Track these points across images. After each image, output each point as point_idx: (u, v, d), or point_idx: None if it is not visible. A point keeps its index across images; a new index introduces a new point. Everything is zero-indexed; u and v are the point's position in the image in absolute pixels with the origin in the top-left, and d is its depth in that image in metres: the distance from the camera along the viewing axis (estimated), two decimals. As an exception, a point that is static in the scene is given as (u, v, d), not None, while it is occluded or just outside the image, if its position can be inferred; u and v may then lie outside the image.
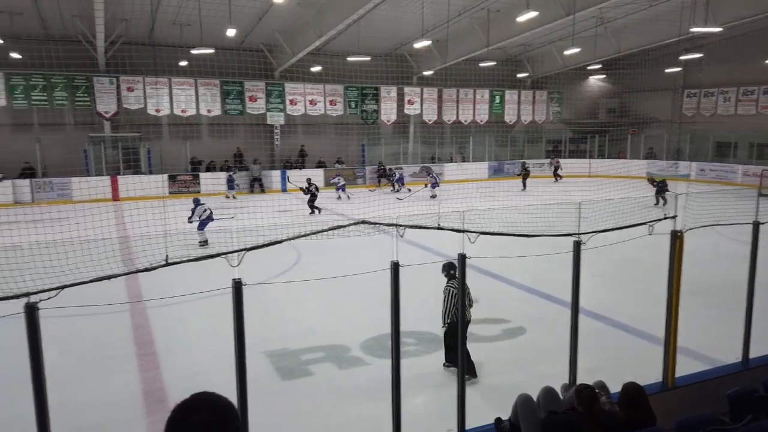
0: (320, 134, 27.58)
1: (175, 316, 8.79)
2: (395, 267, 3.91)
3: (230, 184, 23.23)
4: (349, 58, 22.85)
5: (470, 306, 6.64)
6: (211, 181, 23.40)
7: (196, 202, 14.00)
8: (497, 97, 30.52)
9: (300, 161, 27.22)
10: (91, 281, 3.18)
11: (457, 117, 29.62)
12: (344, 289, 9.67)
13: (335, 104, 26.76)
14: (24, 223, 15.87)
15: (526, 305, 9.41)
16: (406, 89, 28.27)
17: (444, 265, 6.85)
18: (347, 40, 22.42)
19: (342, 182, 22.73)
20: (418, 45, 21.19)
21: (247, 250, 3.39)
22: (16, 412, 6.22)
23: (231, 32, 17.82)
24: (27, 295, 3.09)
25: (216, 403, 1.46)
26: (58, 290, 3.04)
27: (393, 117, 28.20)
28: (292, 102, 25.79)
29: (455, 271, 6.53)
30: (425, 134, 29.57)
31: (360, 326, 8.40)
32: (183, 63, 23.00)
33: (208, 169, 24.94)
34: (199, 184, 23.97)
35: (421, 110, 28.73)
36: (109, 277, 3.31)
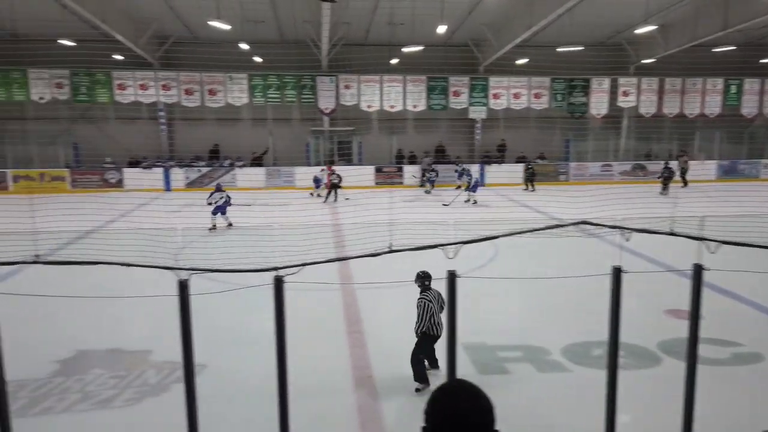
0: (521, 128, 26.96)
1: (382, 298, 9.38)
2: (617, 273, 3.65)
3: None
4: (559, 49, 21.87)
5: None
6: (412, 173, 24.47)
7: (217, 188, 15.41)
8: (733, 86, 26.55)
9: (499, 156, 26.94)
10: (327, 261, 3.56)
11: (681, 109, 26.48)
12: (544, 289, 9.39)
13: (540, 97, 25.88)
14: (257, 206, 18.21)
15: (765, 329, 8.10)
16: (621, 80, 26.11)
17: (418, 275, 6.43)
18: (557, 30, 21.45)
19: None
20: (640, 31, 19.44)
21: (464, 243, 3.47)
22: (254, 364, 7.27)
23: (441, 29, 18.30)
24: (275, 269, 3.56)
25: (478, 393, 1.48)
26: (300, 267, 3.45)
27: (604, 110, 26.30)
28: (495, 96, 25.60)
29: (429, 282, 6.33)
30: (640, 129, 27.03)
31: (561, 330, 8.05)
32: (394, 61, 24.31)
33: (410, 162, 26.06)
34: (401, 176, 25.20)
35: (638, 102, 26.30)
36: (341, 259, 3.66)
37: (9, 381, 3.77)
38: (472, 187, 19.69)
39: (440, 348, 6.12)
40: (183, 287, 3.38)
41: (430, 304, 6.12)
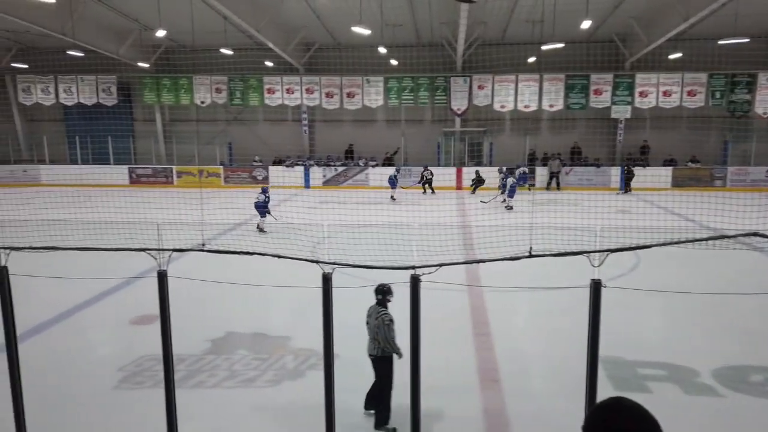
0: (670, 129, 24.79)
1: (511, 302, 9.19)
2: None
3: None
4: (721, 42, 19.76)
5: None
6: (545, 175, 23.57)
7: (263, 189, 15.15)
8: None
9: (642, 158, 25.01)
10: (466, 263, 3.58)
11: None
12: (693, 304, 8.59)
13: (694, 95, 23.60)
14: (386, 204, 18.61)
15: None
16: (795, 74, 22.98)
17: (378, 288, 5.52)
18: (719, 21, 19.42)
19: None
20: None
21: (611, 251, 3.30)
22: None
23: (585, 24, 17.46)
24: (413, 267, 3.66)
25: (645, 415, 1.37)
26: (437, 267, 3.51)
27: (772, 109, 23.33)
28: (641, 94, 23.81)
29: (391, 296, 5.56)
30: (818, 130, 23.60)
31: (712, 350, 7.32)
32: (531, 60, 23.59)
33: (543, 164, 25.14)
34: (534, 177, 24.39)
35: (816, 100, 22.98)
36: (480, 261, 3.67)
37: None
38: (509, 192, 18.64)
39: (556, 353, 5.84)
40: (326, 280, 3.59)
41: (388, 320, 5.38)
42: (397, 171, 22.52)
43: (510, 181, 18.95)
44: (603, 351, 7.19)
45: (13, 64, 25.98)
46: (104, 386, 6.47)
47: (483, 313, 8.88)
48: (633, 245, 3.50)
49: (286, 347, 7.59)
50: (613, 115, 24.33)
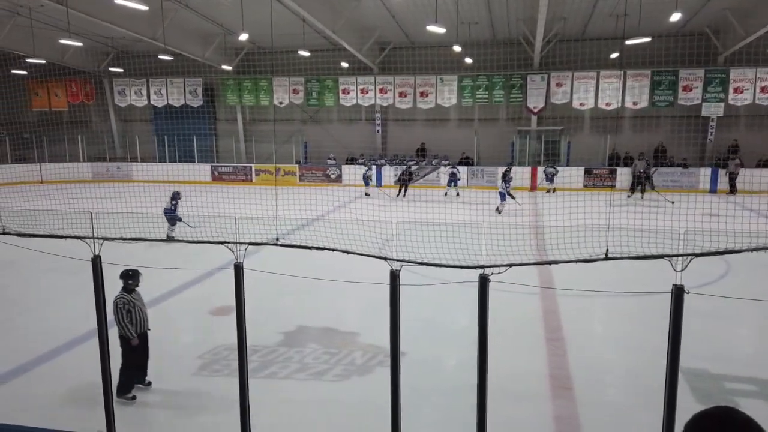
0: (766, 127, 22.97)
1: (585, 307, 8.86)
2: None
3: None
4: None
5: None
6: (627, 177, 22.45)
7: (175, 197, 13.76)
8: None
9: (732, 156, 23.27)
10: (537, 264, 3.49)
11: None
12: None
13: (797, 91, 21.74)
14: (459, 203, 18.49)
15: None
16: None
17: (122, 273, 6.05)
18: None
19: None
20: None
21: (696, 255, 3.10)
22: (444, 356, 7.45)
23: (675, 17, 16.52)
24: (482, 267, 3.60)
25: (751, 425, 1.26)
26: (507, 267, 3.44)
27: None
28: (737, 90, 22.21)
29: (134, 281, 6.11)
30: None
31: (813, 369, 6.72)
32: (613, 55, 22.61)
33: (625, 164, 24.00)
34: (614, 178, 23.35)
35: None
36: (551, 263, 3.56)
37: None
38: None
39: (653, 368, 5.55)
40: (394, 277, 3.61)
41: (124, 302, 5.99)
42: (369, 170, 23.13)
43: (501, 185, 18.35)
44: (685, 362, 6.78)
45: (110, 68, 27.94)
46: (186, 371, 6.84)
47: (555, 317, 8.61)
48: (721, 249, 3.27)
49: (355, 343, 7.70)
50: (703, 113, 22.84)
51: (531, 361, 7.10)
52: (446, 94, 25.07)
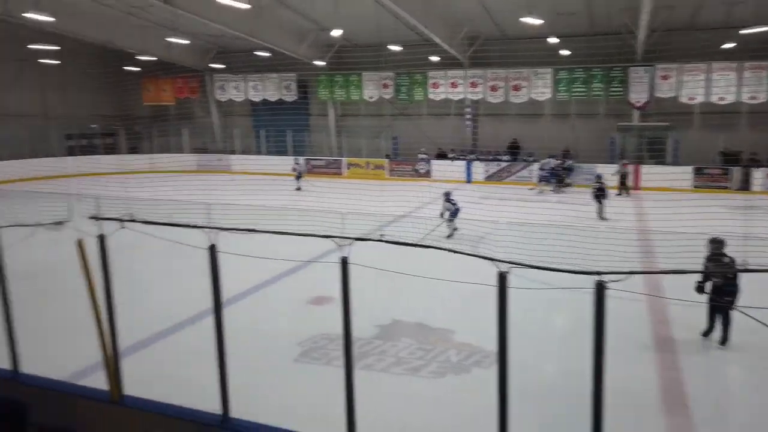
0: None
1: (701, 318, 8.25)
2: None
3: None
4: None
5: None
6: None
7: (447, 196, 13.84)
8: None
9: None
10: (661, 273, 3.26)
11: None
12: None
13: None
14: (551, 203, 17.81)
15: None
16: None
17: None
18: None
19: None
20: None
21: None
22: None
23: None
24: (598, 273, 3.41)
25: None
26: (627, 275, 3.23)
27: None
28: None
29: None
30: None
31: None
32: (728, 45, 20.85)
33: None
34: (728, 178, 21.57)
35: None
36: (677, 272, 3.32)
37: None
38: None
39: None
40: (502, 278, 3.50)
41: None
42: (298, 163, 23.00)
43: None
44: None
45: (211, 65, 29.50)
46: (287, 357, 7.10)
47: (667, 327, 8.08)
48: None
49: (449, 340, 7.64)
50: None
51: (642, 374, 6.68)
52: (540, 87, 24.27)
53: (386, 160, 27.22)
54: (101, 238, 4.60)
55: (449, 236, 13.18)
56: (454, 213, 13.55)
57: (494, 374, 3.77)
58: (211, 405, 4.61)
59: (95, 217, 4.60)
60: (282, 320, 8.70)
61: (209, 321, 4.88)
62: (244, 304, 9.11)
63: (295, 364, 6.96)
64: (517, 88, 24.64)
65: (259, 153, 29.27)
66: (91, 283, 4.69)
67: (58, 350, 7.03)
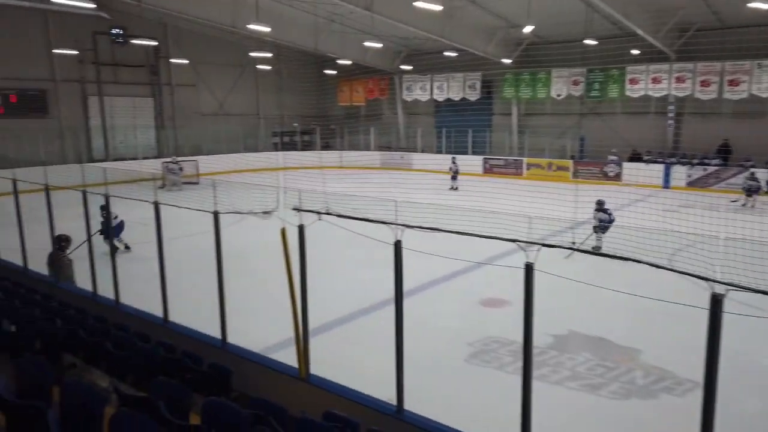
0: None
1: None
2: None
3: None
4: None
5: None
6: None
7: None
8: None
9: None
10: None
11: None
12: None
13: None
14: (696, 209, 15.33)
15: None
16: None
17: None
18: None
19: None
20: None
21: None
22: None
23: None
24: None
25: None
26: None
27: None
28: None
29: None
30: None
31: None
32: None
33: None
34: None
35: None
36: None
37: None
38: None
39: None
40: (716, 301, 3.10)
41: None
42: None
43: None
44: None
45: (401, 66, 30.77)
46: (457, 356, 7.15)
47: None
48: None
49: (635, 360, 7.01)
50: None
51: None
52: (765, 82, 20.92)
53: (570, 161, 25.80)
54: (300, 229, 5.09)
55: (596, 248, 11.81)
56: (607, 224, 12.17)
57: (686, 403, 3.40)
58: (384, 392, 4.82)
59: (297, 209, 5.12)
60: (453, 319, 8.74)
61: (383, 311, 5.14)
62: (417, 299, 9.35)
63: (466, 365, 6.96)
64: (734, 82, 21.56)
65: (439, 152, 29.79)
66: (290, 268, 5.22)
67: (258, 324, 7.93)
